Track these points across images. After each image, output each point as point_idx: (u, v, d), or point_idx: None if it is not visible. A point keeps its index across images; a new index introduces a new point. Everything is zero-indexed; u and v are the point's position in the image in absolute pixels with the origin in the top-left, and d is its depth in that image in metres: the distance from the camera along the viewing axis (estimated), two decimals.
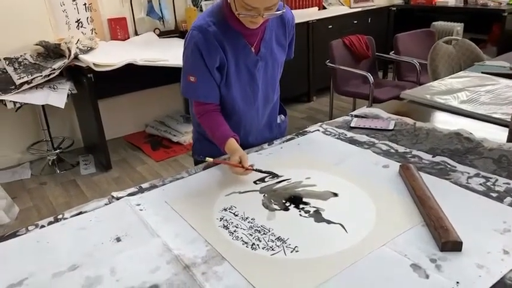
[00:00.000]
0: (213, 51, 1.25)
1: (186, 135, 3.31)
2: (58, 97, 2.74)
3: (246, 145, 1.45)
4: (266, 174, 1.22)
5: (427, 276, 0.82)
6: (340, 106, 3.85)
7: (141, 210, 1.09)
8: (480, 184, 1.13)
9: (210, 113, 1.35)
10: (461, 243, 0.88)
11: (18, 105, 2.70)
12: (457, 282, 0.80)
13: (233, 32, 1.27)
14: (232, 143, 1.28)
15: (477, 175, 1.17)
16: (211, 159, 1.23)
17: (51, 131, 3.10)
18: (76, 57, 2.81)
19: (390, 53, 3.45)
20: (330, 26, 4.10)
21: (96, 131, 2.90)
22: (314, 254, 0.90)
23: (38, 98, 2.72)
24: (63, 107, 2.71)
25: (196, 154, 1.55)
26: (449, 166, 1.24)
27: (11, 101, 2.65)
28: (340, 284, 0.81)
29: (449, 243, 0.88)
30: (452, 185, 1.13)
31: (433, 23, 4.42)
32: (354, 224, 0.99)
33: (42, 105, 2.92)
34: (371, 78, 2.98)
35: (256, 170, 1.22)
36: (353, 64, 3.29)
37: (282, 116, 1.61)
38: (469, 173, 1.19)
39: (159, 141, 3.43)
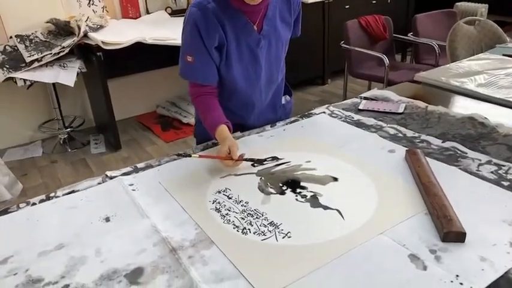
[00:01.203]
0: (211, 30, 1.19)
1: None
2: (68, 75, 2.73)
3: (248, 126, 1.41)
4: (266, 157, 1.18)
5: (425, 268, 0.77)
6: (354, 89, 3.75)
7: (133, 190, 1.06)
8: (491, 172, 1.06)
9: (205, 95, 1.29)
10: (464, 233, 0.83)
11: (28, 83, 2.71)
12: (457, 276, 0.75)
13: (233, 9, 1.21)
14: (223, 131, 1.20)
15: (489, 162, 1.10)
16: (196, 155, 1.16)
17: (62, 110, 3.11)
18: (85, 35, 2.79)
19: (408, 35, 3.31)
20: (347, 6, 3.96)
21: (106, 110, 2.89)
22: (306, 241, 0.85)
23: (47, 76, 2.72)
24: (72, 86, 2.70)
25: (197, 136, 1.51)
26: (459, 152, 1.17)
27: (21, 78, 2.65)
28: (330, 273, 0.77)
29: (452, 234, 0.83)
30: (461, 172, 1.06)
31: (456, 3, 4.23)
32: (352, 211, 0.94)
33: (53, 84, 2.92)
34: (386, 60, 2.87)
35: (248, 160, 1.16)
36: (369, 46, 3.18)
37: (287, 96, 1.54)
38: (480, 160, 1.12)
39: (170, 122, 3.41)
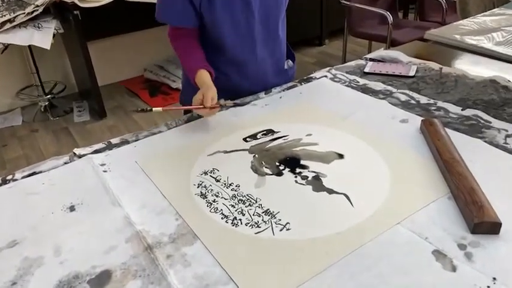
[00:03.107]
0: None
1: None
2: (43, 37, 2.50)
3: (245, 92, 1.22)
4: (259, 129, 1.02)
5: (454, 269, 0.63)
6: (354, 50, 3.54)
7: (104, 171, 0.90)
8: None
9: (184, 38, 1.14)
10: (499, 224, 0.68)
11: (1, 46, 2.48)
12: (494, 279, 0.61)
13: None
14: (201, 76, 1.07)
15: None
16: (159, 109, 1.00)
17: (41, 75, 2.89)
18: None
19: None
20: None
21: (88, 75, 2.68)
22: (309, 234, 0.71)
23: (21, 38, 2.48)
24: (48, 48, 2.48)
25: (183, 102, 1.34)
26: (482, 121, 1.01)
27: None
28: (338, 276, 0.63)
29: (485, 225, 0.69)
30: (487, 146, 0.91)
31: None
32: (362, 195, 0.79)
33: (29, 47, 2.69)
34: (390, 18, 2.65)
35: (226, 106, 1.02)
36: (370, 2, 2.94)
37: (290, 61, 1.35)
38: (507, 131, 0.96)
39: (158, 87, 3.21)
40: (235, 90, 1.20)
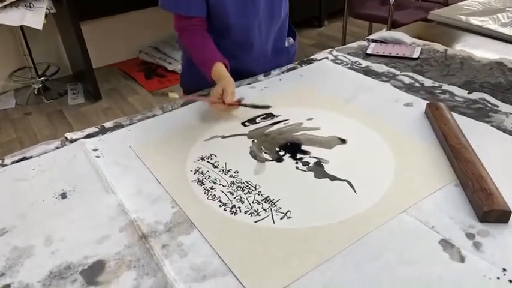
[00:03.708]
0: None
1: None
2: (35, 17, 2.42)
3: (247, 73, 1.18)
4: (258, 113, 0.98)
5: (462, 259, 0.61)
6: (354, 32, 3.46)
7: (97, 157, 0.87)
8: None
9: (193, 30, 1.08)
10: (510, 212, 0.66)
11: None
12: (504, 270, 0.59)
13: None
14: (219, 69, 1.02)
15: None
16: (176, 95, 0.97)
17: (34, 57, 2.82)
18: None
19: None
20: None
21: (81, 56, 2.62)
22: (311, 223, 0.68)
23: (12, 18, 2.40)
24: (40, 29, 2.40)
25: (184, 85, 1.30)
26: (489, 105, 0.98)
27: None
28: (341, 267, 0.60)
29: (494, 213, 0.66)
30: (495, 131, 0.88)
31: None
32: (366, 182, 0.76)
33: (21, 27, 2.61)
34: None
35: (245, 106, 0.98)
36: None
37: (291, 39, 1.31)
38: None
39: (154, 69, 3.14)
40: (239, 70, 1.16)
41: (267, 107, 0.99)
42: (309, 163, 0.81)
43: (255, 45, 1.17)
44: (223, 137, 0.91)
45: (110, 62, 3.26)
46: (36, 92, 2.88)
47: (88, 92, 2.87)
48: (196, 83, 1.15)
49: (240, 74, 1.14)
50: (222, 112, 0.98)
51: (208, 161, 0.84)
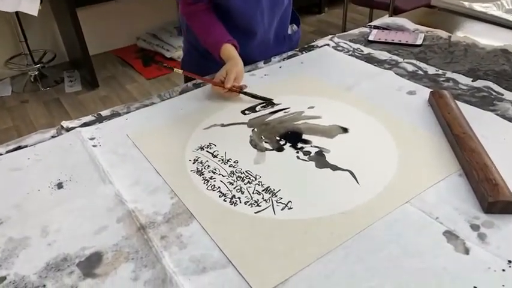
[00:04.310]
0: None
1: (180, 50, 2.97)
2: (30, 3, 2.37)
3: (248, 61, 1.14)
4: (258, 101, 0.96)
5: (467, 251, 0.59)
6: (354, 19, 3.42)
7: (94, 146, 0.85)
8: None
9: (200, 13, 1.06)
10: None
11: None
12: (509, 261, 0.57)
13: None
14: (228, 50, 1.02)
15: None
16: (180, 71, 0.96)
17: (30, 43, 2.77)
18: None
19: None
20: None
21: (78, 43, 2.58)
22: (312, 214, 0.67)
23: (7, 4, 2.36)
24: (36, 15, 2.36)
25: (185, 66, 1.27)
26: (494, 93, 0.96)
27: None
28: (347, 258, 0.59)
29: (499, 204, 0.64)
30: (500, 119, 0.87)
31: None
32: (368, 172, 0.75)
33: (17, 13, 2.57)
34: None
35: (245, 94, 0.96)
36: None
37: (294, 25, 1.28)
38: None
39: (151, 56, 3.10)
40: (241, 58, 1.14)
41: (268, 99, 0.96)
42: (310, 152, 0.80)
43: (258, 33, 1.14)
44: (223, 125, 0.89)
45: (107, 49, 3.22)
46: (32, 80, 2.85)
47: (85, 80, 2.84)
48: (195, 65, 1.13)
49: (244, 61, 1.12)
50: (221, 100, 0.96)
51: (207, 150, 0.82)
